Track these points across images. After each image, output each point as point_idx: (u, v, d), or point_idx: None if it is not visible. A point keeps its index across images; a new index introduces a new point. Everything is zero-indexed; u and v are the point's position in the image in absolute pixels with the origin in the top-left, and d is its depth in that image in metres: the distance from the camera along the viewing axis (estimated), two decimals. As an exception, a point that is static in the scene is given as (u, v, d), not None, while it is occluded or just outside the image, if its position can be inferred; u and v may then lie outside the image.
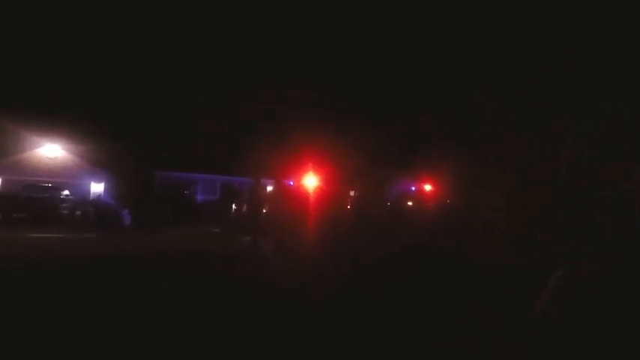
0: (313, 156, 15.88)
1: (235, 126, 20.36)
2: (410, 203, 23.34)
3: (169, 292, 5.79)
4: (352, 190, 18.73)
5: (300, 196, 14.89)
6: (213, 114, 21.54)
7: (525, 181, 13.50)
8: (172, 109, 22.35)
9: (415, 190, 24.68)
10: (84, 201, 19.28)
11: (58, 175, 20.86)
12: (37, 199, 17.29)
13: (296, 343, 4.01)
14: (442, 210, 21.16)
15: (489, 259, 8.30)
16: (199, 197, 24.22)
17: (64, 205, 17.95)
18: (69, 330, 4.20)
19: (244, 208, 16.62)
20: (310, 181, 15.27)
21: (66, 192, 19.23)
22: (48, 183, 19.51)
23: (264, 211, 14.74)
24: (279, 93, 17.95)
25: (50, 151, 21.34)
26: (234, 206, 17.86)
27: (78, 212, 17.74)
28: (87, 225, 16.64)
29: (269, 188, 16.93)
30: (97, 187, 22.07)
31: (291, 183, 15.63)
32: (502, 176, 15.40)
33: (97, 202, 19.92)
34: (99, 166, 21.80)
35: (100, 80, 21.47)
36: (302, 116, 17.04)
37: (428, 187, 23.66)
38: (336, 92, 17.61)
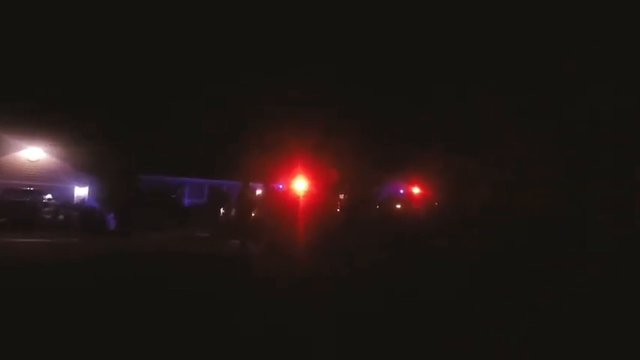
0: (303, 159, 15.83)
1: (224, 129, 20.18)
2: (398, 206, 23.47)
3: (164, 293, 5.67)
4: (342, 193, 18.74)
5: (289, 199, 14.81)
6: (202, 117, 21.33)
7: (519, 181, 13.64)
8: (160, 112, 22.06)
9: (403, 193, 24.84)
10: (67, 205, 18.82)
11: (40, 179, 20.34)
12: (17, 204, 16.81)
13: (295, 345, 3.92)
14: (430, 212, 21.32)
15: (485, 258, 8.29)
16: (187, 201, 23.92)
17: (46, 209, 17.48)
18: (69, 331, 4.09)
19: (233, 211, 16.45)
20: (300, 185, 15.20)
21: (48, 196, 18.75)
22: (29, 187, 19.00)
23: (253, 214, 14.60)
24: (269, 96, 17.88)
25: (32, 154, 20.82)
26: (222, 210, 17.66)
27: (61, 216, 17.28)
28: (71, 229, 16.23)
29: (258, 192, 16.80)
30: (81, 191, 21.59)
31: (281, 186, 15.54)
32: (490, 176, 15.55)
33: (81, 205, 19.47)
34: (83, 170, 21.34)
35: (84, 82, 21.07)
36: (292, 119, 16.99)
37: (416, 190, 23.82)
38: (327, 96, 17.62)
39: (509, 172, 14.34)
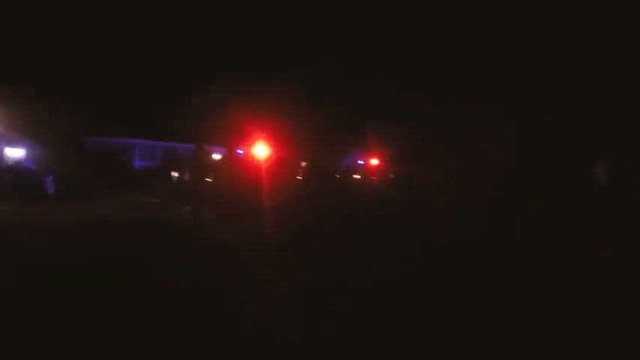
0: (265, 125, 15.17)
1: (181, 88, 18.88)
2: (357, 176, 23.66)
3: (104, 267, 5.08)
4: (303, 161, 18.36)
5: (249, 165, 14.21)
6: (155, 74, 19.85)
7: (471, 163, 13.79)
8: (109, 68, 20.27)
9: (362, 163, 24.99)
10: (-1, 167, 17.07)
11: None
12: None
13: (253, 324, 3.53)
14: (384, 183, 21.62)
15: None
16: (137, 164, 22.53)
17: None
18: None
19: (186, 175, 15.59)
20: (261, 151, 14.57)
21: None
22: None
23: (209, 180, 13.89)
24: (231, 57, 16.85)
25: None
26: (175, 174, 16.73)
27: (-9, 179, 15.59)
28: (3, 194, 14.71)
29: (216, 156, 15.99)
30: (15, 152, 19.67)
31: (241, 151, 14.82)
32: (447, 154, 15.72)
33: (16, 168, 17.71)
34: (19, 130, 19.35)
35: (25, 36, 18.87)
36: (256, 84, 16.16)
37: (374, 162, 24.02)
38: (292, 62, 16.89)
39: (467, 155, 14.58)
